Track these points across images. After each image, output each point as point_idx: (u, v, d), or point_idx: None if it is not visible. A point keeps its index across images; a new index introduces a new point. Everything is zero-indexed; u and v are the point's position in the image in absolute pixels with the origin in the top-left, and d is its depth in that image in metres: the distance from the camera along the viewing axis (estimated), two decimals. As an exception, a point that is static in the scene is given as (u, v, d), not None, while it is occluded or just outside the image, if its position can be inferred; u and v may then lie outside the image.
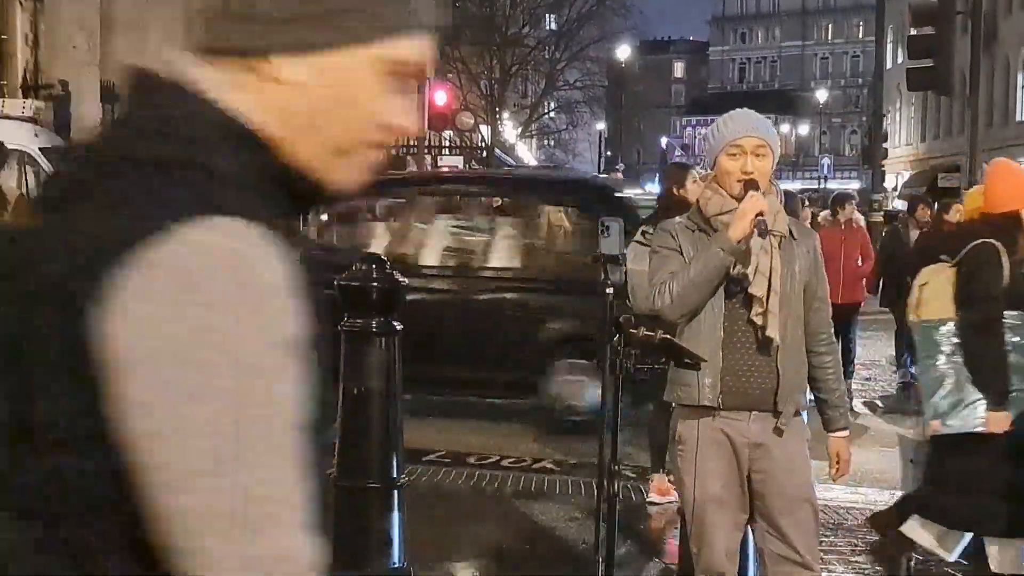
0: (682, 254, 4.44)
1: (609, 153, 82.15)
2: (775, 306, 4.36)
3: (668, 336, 4.27)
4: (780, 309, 4.37)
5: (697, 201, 4.62)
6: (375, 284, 5.81)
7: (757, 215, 4.28)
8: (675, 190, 7.84)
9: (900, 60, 42.73)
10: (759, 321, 4.36)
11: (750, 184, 4.36)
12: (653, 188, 14.02)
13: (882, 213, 24.90)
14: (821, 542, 5.53)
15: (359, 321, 5.88)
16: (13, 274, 1.35)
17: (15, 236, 1.42)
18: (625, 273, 6.90)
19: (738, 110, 4.59)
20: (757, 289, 4.36)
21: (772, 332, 4.35)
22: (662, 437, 7.17)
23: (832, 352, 4.63)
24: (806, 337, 4.52)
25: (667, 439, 5.41)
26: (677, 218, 4.65)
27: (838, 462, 4.65)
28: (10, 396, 1.34)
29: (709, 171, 4.63)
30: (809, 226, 7.66)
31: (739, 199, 4.35)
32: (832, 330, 4.68)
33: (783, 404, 4.39)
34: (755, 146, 4.42)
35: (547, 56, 57.59)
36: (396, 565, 6.01)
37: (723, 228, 4.36)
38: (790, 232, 4.50)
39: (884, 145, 44.84)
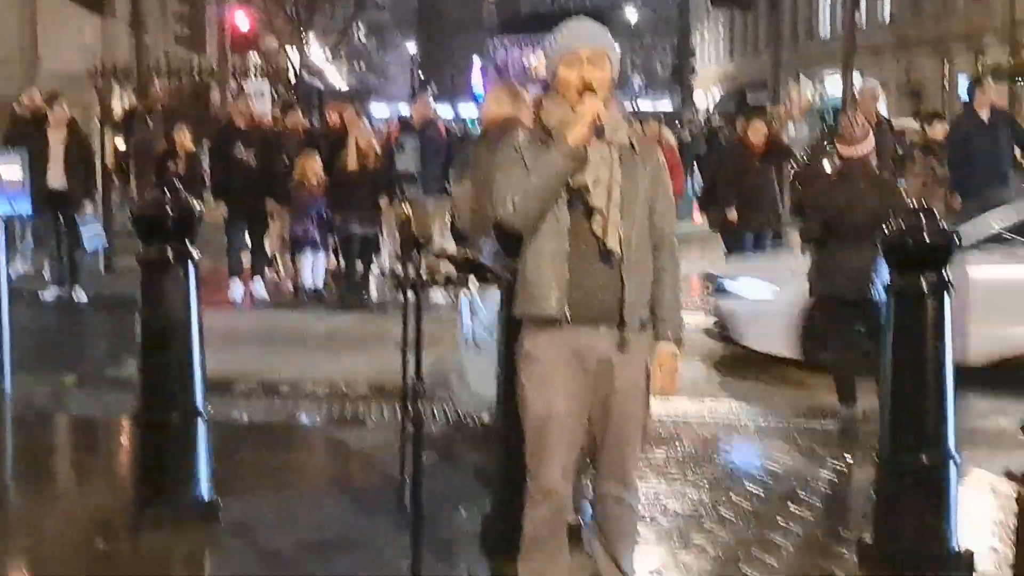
0: (526, 167, 4.37)
1: (422, 76, 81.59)
2: (616, 217, 4.33)
3: (469, 255, 4.19)
4: (622, 220, 4.34)
5: (539, 114, 4.54)
6: (168, 211, 5.61)
7: (595, 118, 4.25)
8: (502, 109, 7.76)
9: (707, -22, 43.20)
10: (600, 232, 4.32)
11: (587, 88, 4.31)
12: (468, 110, 13.84)
13: (704, 129, 25.19)
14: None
15: (154, 250, 5.69)
16: None
17: None
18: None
19: (574, 20, 4.53)
20: (597, 200, 4.32)
21: (612, 243, 4.32)
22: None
23: (671, 265, 4.56)
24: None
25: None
26: (520, 132, 4.58)
27: (662, 374, 4.56)
28: None
29: (550, 83, 4.54)
30: None
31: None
32: (674, 245, 4.62)
33: (628, 316, 4.37)
34: (592, 55, 4.38)
35: (355, -23, 56.67)
36: (203, 498, 5.87)
37: (563, 135, 4.32)
38: (631, 145, 4.46)
39: (693, 64, 45.70)
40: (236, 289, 13.61)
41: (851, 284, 7.96)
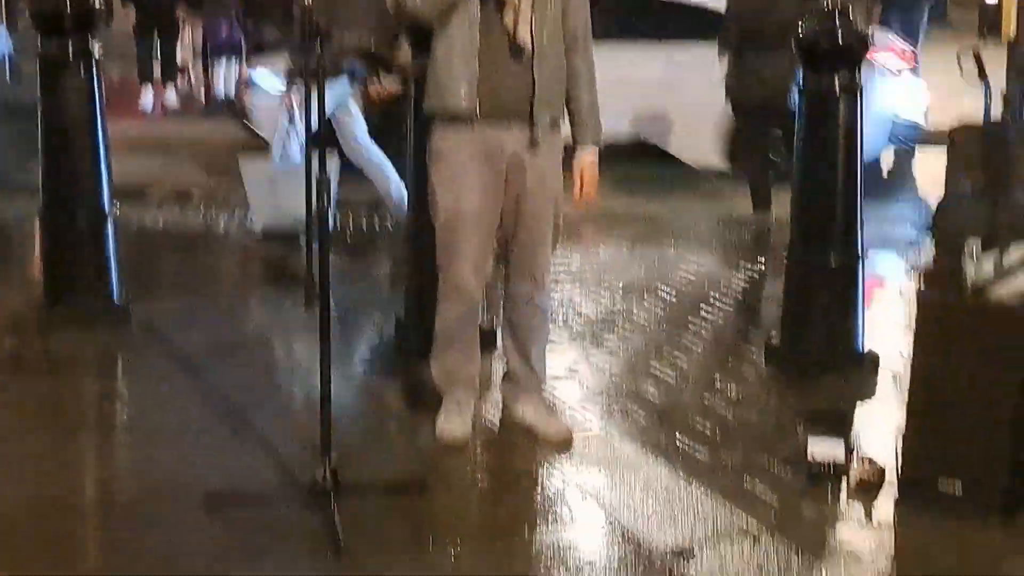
0: None
1: None
2: (526, 10, 4.24)
3: (372, 48, 4.09)
4: (533, 14, 4.25)
5: None
6: (67, 5, 5.41)
7: None
8: None
9: None
10: (509, 26, 4.24)
11: None
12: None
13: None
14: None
15: (53, 46, 5.51)
16: None
17: None
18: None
19: None
20: None
21: (523, 37, 4.25)
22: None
23: (586, 66, 4.47)
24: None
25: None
26: None
27: (582, 182, 4.51)
28: None
29: None
30: None
31: None
32: (589, 46, 4.51)
33: (538, 113, 4.32)
34: None
35: None
36: (114, 300, 5.81)
37: None
38: None
39: None
40: (147, 97, 13.31)
41: (768, 91, 7.92)
